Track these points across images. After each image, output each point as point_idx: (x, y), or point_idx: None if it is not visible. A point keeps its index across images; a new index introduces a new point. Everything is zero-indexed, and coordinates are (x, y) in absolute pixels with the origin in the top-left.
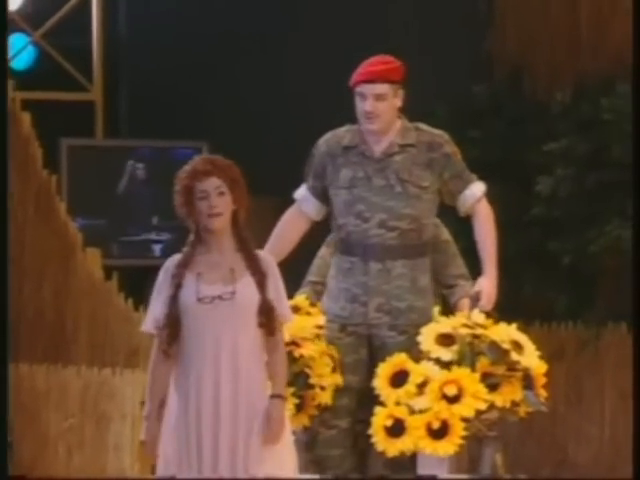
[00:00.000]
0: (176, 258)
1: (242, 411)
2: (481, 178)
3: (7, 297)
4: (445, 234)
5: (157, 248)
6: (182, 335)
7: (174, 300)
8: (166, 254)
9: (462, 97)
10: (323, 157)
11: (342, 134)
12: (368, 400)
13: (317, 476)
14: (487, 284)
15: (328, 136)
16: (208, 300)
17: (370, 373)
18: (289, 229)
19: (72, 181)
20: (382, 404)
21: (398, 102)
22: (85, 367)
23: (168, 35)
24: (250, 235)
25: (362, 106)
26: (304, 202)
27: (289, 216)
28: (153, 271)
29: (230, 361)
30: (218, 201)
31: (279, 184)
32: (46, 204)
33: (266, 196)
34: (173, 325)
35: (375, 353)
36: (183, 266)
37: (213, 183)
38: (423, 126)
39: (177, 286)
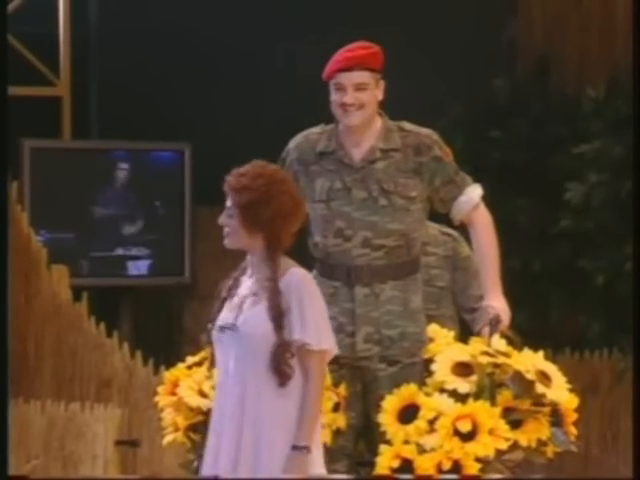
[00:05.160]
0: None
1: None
2: (502, 184)
3: None
4: (465, 250)
5: (133, 265)
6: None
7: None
8: (145, 272)
9: (481, 92)
10: (294, 165)
11: (315, 137)
12: (364, 440)
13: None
14: (498, 305)
15: (299, 139)
16: (219, 330)
17: (365, 410)
18: None
19: (35, 188)
20: (388, 442)
21: (379, 94)
22: (50, 402)
23: (146, 22)
24: (278, 257)
25: (339, 98)
26: None
27: None
28: (128, 292)
29: (240, 402)
30: (227, 222)
31: None
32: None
33: None
34: (212, 348)
35: (367, 388)
36: (228, 287)
37: (228, 202)
38: (408, 125)
39: (219, 309)
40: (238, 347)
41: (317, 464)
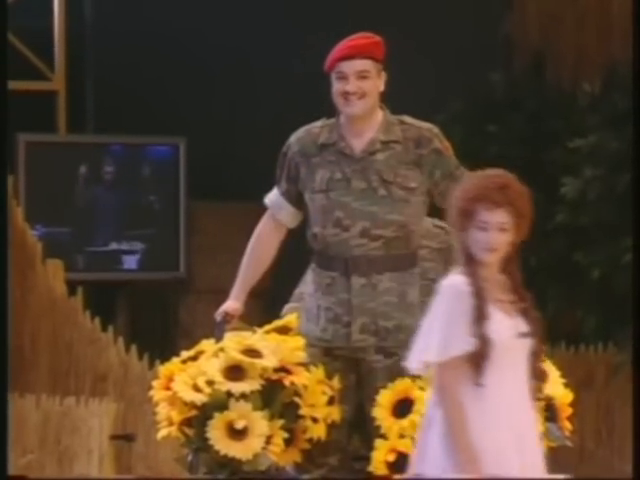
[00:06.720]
0: (464, 282)
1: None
2: None
3: None
4: None
5: (128, 260)
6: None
7: (480, 330)
8: (140, 267)
9: (477, 87)
10: (296, 157)
11: (317, 130)
12: (358, 434)
13: (307, 476)
14: None
15: (301, 133)
16: (517, 336)
17: (359, 403)
18: (266, 243)
19: (31, 182)
20: (383, 437)
21: (381, 85)
22: (45, 396)
23: (141, 16)
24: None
25: (341, 87)
26: (278, 210)
27: (264, 228)
28: (123, 286)
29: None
30: (498, 237)
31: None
32: None
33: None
34: (480, 360)
35: (363, 380)
36: (480, 293)
37: (499, 217)
38: (408, 119)
39: (481, 315)
40: (525, 354)
41: None
